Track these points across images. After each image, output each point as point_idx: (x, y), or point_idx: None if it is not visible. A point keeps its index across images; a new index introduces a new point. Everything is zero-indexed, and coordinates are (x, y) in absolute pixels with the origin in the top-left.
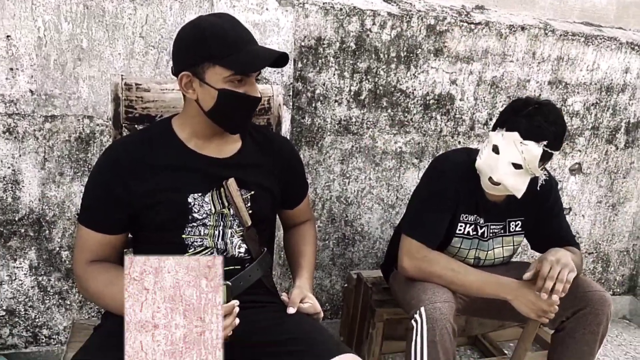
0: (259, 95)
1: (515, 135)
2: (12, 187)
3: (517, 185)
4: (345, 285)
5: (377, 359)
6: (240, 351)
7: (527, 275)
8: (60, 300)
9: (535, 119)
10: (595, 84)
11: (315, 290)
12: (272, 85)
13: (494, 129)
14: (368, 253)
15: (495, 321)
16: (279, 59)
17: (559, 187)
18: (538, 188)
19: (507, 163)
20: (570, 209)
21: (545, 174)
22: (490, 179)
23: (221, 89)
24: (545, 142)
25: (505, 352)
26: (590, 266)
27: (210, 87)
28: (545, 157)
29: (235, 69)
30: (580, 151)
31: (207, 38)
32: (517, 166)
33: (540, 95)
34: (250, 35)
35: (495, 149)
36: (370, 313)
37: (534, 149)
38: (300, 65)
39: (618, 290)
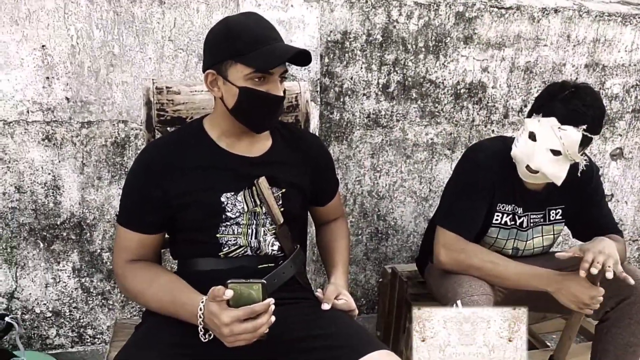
0: (281, 94)
1: (553, 120)
2: (53, 193)
3: (557, 173)
4: (380, 279)
5: None
6: (274, 347)
7: (562, 255)
8: (103, 301)
9: (572, 102)
10: (635, 65)
11: (350, 286)
12: (299, 82)
13: (529, 116)
14: (402, 247)
15: (537, 313)
16: (302, 57)
17: (600, 173)
18: (579, 174)
19: (545, 150)
20: (612, 195)
21: (585, 160)
22: (527, 167)
23: (242, 87)
24: (584, 127)
25: (548, 344)
26: (635, 254)
27: (232, 85)
28: (585, 142)
29: (254, 66)
30: (621, 135)
31: (230, 36)
32: (555, 152)
33: (577, 79)
34: (274, 32)
35: (532, 136)
36: (407, 307)
37: (573, 134)
38: (327, 60)
39: None
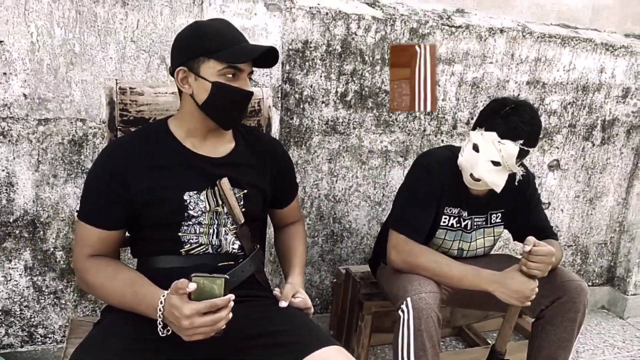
0: (251, 90)
1: (494, 135)
2: (6, 190)
3: (496, 181)
4: (335, 280)
5: (366, 350)
6: (232, 344)
7: (527, 248)
8: (55, 300)
9: (511, 119)
10: (572, 83)
11: (305, 286)
12: (262, 88)
13: (474, 129)
14: (356, 249)
15: (479, 312)
16: (269, 58)
17: (538, 182)
18: (516, 183)
19: (486, 161)
20: (549, 203)
21: (522, 170)
22: (471, 175)
23: (215, 82)
24: (521, 141)
25: (489, 342)
26: (569, 258)
27: (204, 80)
28: (522, 154)
29: (227, 60)
30: (558, 148)
31: (202, 35)
32: (495, 163)
33: (519, 95)
34: (243, 36)
35: (476, 148)
36: (359, 306)
37: (511, 148)
38: (288, 67)
39: (597, 281)
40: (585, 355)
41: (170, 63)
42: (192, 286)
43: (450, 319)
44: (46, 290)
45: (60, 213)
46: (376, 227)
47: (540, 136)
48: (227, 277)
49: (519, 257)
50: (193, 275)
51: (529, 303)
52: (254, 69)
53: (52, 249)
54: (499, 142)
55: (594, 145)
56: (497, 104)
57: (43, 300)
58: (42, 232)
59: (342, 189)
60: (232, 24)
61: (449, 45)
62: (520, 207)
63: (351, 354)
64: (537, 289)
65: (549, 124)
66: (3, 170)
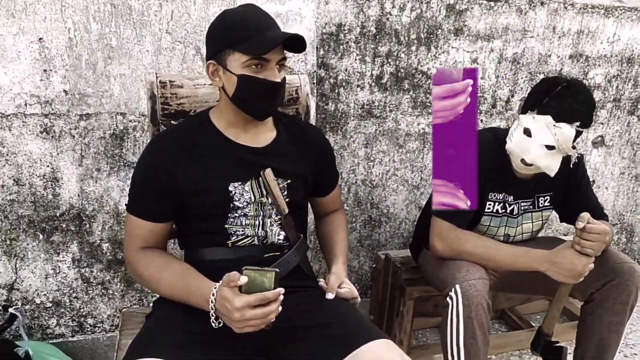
0: (279, 81)
1: (548, 118)
2: (52, 185)
3: (551, 165)
4: (374, 265)
5: (408, 336)
6: (280, 335)
7: (580, 225)
8: (103, 290)
9: (566, 100)
10: (616, 55)
11: None
12: (299, 75)
13: (524, 112)
14: (394, 234)
15: (522, 295)
16: (297, 43)
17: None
18: (571, 165)
19: (539, 145)
20: (593, 181)
21: (578, 152)
22: (522, 160)
23: (240, 75)
24: (578, 123)
25: (533, 324)
26: (614, 237)
27: (231, 74)
28: (577, 136)
29: (249, 52)
30: (602, 124)
31: (227, 26)
32: (550, 147)
33: (561, 69)
34: (269, 20)
35: (527, 132)
36: (400, 292)
37: (567, 131)
38: (322, 52)
39: None
40: (633, 336)
41: (205, 54)
42: (243, 279)
43: (493, 302)
44: (94, 282)
45: (105, 206)
46: (414, 212)
47: None
48: (278, 270)
49: (567, 239)
50: (244, 268)
51: (582, 278)
52: (290, 54)
53: (98, 241)
54: (554, 125)
55: (639, 119)
56: (547, 85)
57: (91, 291)
58: (88, 225)
59: (379, 174)
60: (261, 9)
61: (487, 21)
62: (570, 189)
63: (393, 338)
64: (591, 266)
65: None
66: (48, 166)
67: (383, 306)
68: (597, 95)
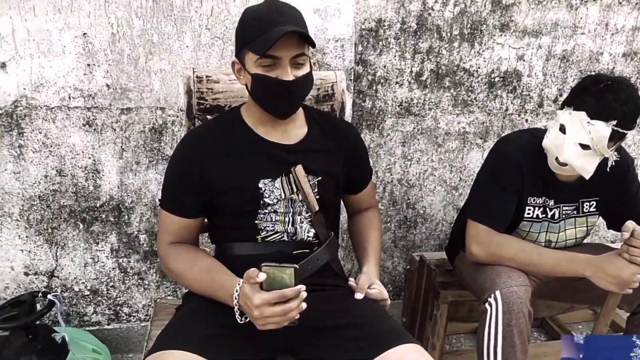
0: (290, 79)
1: (583, 114)
2: (92, 176)
3: (585, 166)
4: (408, 267)
5: (442, 340)
6: (306, 332)
7: (625, 235)
8: (139, 281)
9: (604, 97)
10: None
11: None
12: (335, 71)
13: (561, 107)
14: (430, 235)
15: (564, 304)
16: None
17: (635, 164)
18: (608, 169)
19: (573, 143)
20: None
21: (616, 155)
22: (556, 159)
23: (254, 74)
24: (614, 122)
25: (574, 334)
26: None
27: (247, 73)
28: (616, 137)
29: (255, 51)
30: None
31: (243, 25)
32: (584, 147)
33: (614, 68)
34: (282, 16)
35: (562, 129)
36: (434, 295)
37: (602, 129)
38: (360, 48)
39: None
40: None
41: None
42: (262, 276)
43: (533, 309)
44: (130, 272)
45: (143, 198)
46: (452, 213)
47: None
48: (297, 266)
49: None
50: (263, 265)
51: (630, 290)
52: (329, 48)
53: (135, 232)
54: (588, 122)
55: None
56: (589, 81)
57: (128, 281)
58: (126, 217)
59: (416, 173)
60: (282, 3)
61: (535, 16)
62: (618, 195)
63: (426, 342)
64: (638, 276)
65: None
66: (90, 158)
67: (416, 309)
68: None
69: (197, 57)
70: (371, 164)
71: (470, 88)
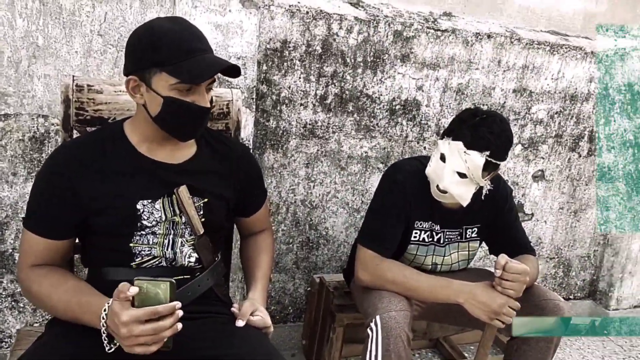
0: (208, 106)
1: (460, 144)
2: None
3: (462, 194)
4: (309, 288)
5: None
6: None
7: (498, 272)
8: (13, 303)
9: (479, 129)
10: (560, 92)
11: (278, 294)
12: (231, 90)
13: (442, 137)
14: (332, 256)
15: (454, 325)
16: (231, 69)
17: (521, 192)
18: (482, 198)
19: (452, 172)
20: (532, 214)
21: (490, 184)
22: (437, 186)
23: (167, 97)
24: (487, 153)
25: (466, 355)
26: (552, 271)
27: (156, 94)
28: (490, 167)
29: (181, 78)
30: (543, 158)
31: (155, 43)
32: (461, 175)
33: (505, 102)
34: (202, 43)
35: (442, 157)
36: (331, 317)
37: (477, 159)
38: (265, 67)
39: (579, 294)
40: None
41: (124, 64)
42: (133, 290)
43: (427, 330)
44: (3, 293)
45: (20, 213)
46: (353, 235)
47: (526, 146)
48: (173, 281)
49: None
50: (136, 278)
51: (500, 324)
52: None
53: (10, 250)
54: (465, 152)
55: (580, 156)
56: (467, 114)
57: (0, 304)
58: (0, 233)
59: (320, 195)
60: (192, 25)
61: (434, 50)
62: (498, 223)
63: None
64: (508, 308)
65: (534, 134)
66: None
67: (315, 331)
68: (539, 130)
69: (87, 63)
70: (274, 184)
71: (372, 114)
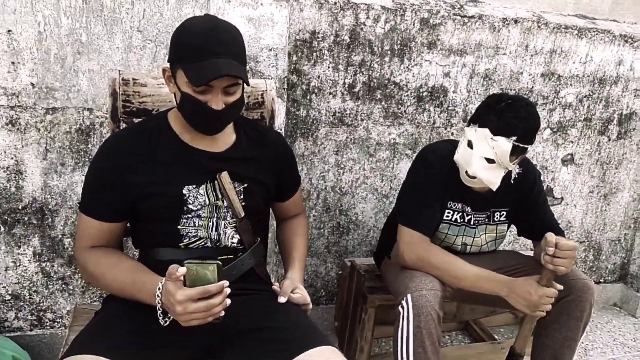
0: (219, 109)
1: (487, 131)
2: (15, 177)
3: (491, 179)
4: (340, 272)
5: (369, 344)
6: (228, 336)
7: (550, 250)
8: (63, 286)
9: (505, 115)
10: (588, 76)
11: (310, 277)
12: (265, 80)
13: (468, 125)
14: (362, 241)
15: (487, 307)
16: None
17: (551, 177)
18: (512, 181)
19: (480, 158)
20: (562, 198)
21: (518, 168)
22: (466, 172)
23: (184, 92)
24: (514, 138)
25: (496, 337)
26: (582, 254)
27: (177, 88)
28: (518, 151)
29: (188, 78)
30: (572, 142)
31: (180, 40)
32: (489, 161)
33: (532, 87)
34: (222, 47)
35: (470, 144)
36: (363, 299)
37: (504, 144)
38: (295, 58)
39: (609, 278)
40: (594, 353)
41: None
42: (181, 270)
43: (456, 313)
44: (54, 276)
45: (68, 201)
46: (382, 220)
47: (555, 130)
48: (219, 262)
49: (528, 253)
50: (186, 261)
51: (542, 313)
52: (262, 56)
53: (60, 236)
54: (491, 138)
55: (609, 139)
56: (492, 100)
57: (51, 286)
58: (50, 219)
59: (349, 181)
60: (221, 27)
61: (460, 36)
62: (526, 207)
63: (355, 345)
64: (548, 299)
65: (563, 118)
66: (12, 158)
67: (347, 313)
68: (568, 114)
69: (128, 59)
70: (304, 172)
71: (400, 101)
